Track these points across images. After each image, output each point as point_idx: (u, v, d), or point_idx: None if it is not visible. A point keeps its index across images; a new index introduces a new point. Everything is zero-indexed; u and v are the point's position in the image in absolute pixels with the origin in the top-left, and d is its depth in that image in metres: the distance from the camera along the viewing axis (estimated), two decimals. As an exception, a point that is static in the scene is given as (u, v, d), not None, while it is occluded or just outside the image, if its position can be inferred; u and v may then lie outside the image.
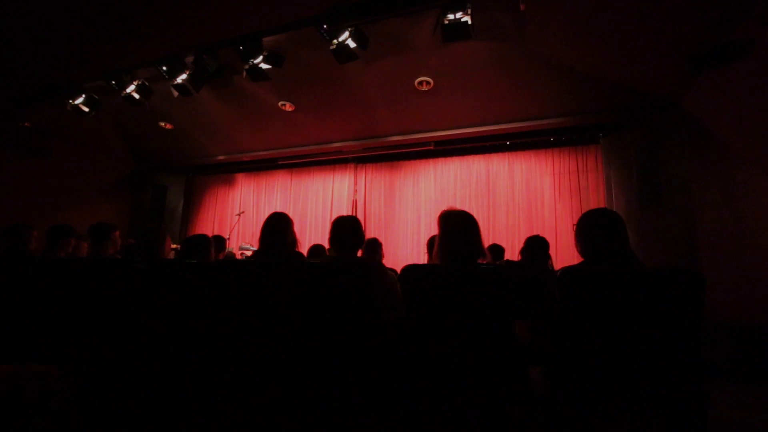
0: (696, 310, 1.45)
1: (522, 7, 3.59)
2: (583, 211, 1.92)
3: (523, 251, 2.86)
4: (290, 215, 2.31)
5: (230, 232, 7.69)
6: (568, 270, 1.65)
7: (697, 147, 4.53)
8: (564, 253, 5.73)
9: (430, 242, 2.68)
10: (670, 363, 1.46)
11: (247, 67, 4.47)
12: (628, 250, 1.77)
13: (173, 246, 4.63)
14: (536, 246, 2.77)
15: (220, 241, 3.93)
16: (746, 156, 3.98)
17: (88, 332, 2.19)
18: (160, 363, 2.00)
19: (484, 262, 1.93)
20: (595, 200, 5.88)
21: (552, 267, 2.88)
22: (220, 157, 7.84)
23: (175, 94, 5.01)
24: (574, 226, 1.88)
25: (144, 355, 2.04)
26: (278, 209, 7.43)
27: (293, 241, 2.25)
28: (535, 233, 2.89)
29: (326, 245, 4.08)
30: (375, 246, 3.46)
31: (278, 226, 2.23)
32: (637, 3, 3.39)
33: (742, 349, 3.61)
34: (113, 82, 5.07)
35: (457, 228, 1.82)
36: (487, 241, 6.07)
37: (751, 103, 3.69)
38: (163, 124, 6.80)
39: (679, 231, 4.55)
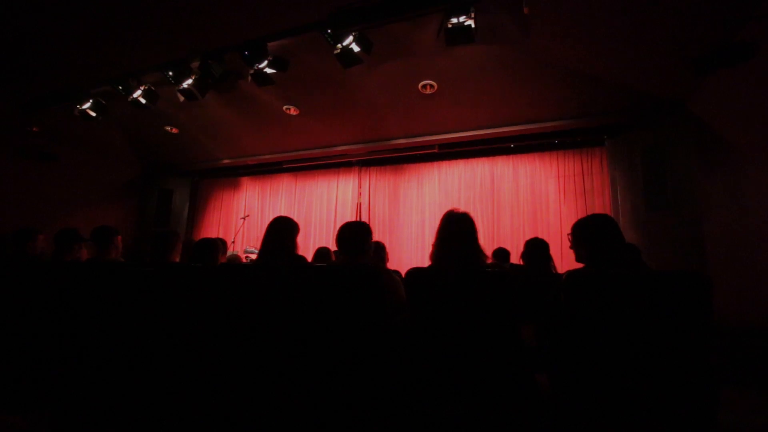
0: (704, 314, 1.44)
1: (525, 10, 3.59)
2: (588, 214, 1.93)
3: (524, 255, 2.82)
4: (295, 218, 2.30)
5: (235, 235, 7.72)
6: (573, 273, 1.64)
7: (703, 148, 4.50)
8: (569, 256, 5.68)
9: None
10: (678, 366, 1.45)
11: (252, 71, 4.50)
12: (633, 252, 1.76)
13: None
14: (537, 249, 2.73)
15: (222, 244, 3.95)
16: (753, 157, 3.96)
17: (90, 339, 2.21)
18: (166, 366, 2.01)
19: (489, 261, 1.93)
20: (601, 203, 5.85)
21: (554, 269, 2.85)
22: (226, 161, 7.89)
23: (181, 98, 5.05)
24: (569, 235, 1.87)
25: (152, 358, 2.05)
26: (283, 212, 7.47)
27: (294, 246, 2.23)
28: (540, 236, 2.86)
29: (331, 248, 4.10)
30: (379, 249, 3.45)
31: (280, 230, 2.22)
32: (641, 4, 3.39)
33: (750, 352, 3.57)
34: (120, 87, 5.13)
35: (451, 230, 1.82)
36: (491, 244, 6.08)
37: (757, 104, 3.67)
38: (169, 128, 6.86)
39: (686, 233, 4.51)
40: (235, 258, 4.91)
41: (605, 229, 1.73)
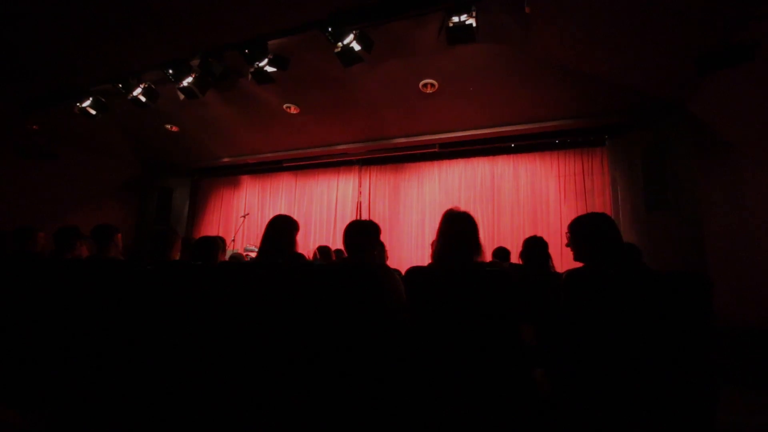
0: (703, 313, 1.44)
1: (527, 10, 3.58)
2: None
3: (522, 254, 2.77)
4: (295, 217, 2.28)
5: (235, 233, 7.72)
6: (573, 273, 1.64)
7: (703, 149, 4.50)
8: (569, 255, 5.67)
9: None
10: (678, 366, 1.45)
11: (252, 70, 4.50)
12: (633, 252, 1.76)
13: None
14: (535, 247, 2.68)
15: (221, 243, 3.94)
16: (753, 157, 3.96)
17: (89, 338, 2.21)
18: (167, 365, 2.01)
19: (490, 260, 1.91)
20: (601, 202, 5.84)
21: (553, 268, 2.82)
22: (226, 160, 7.89)
23: (181, 97, 5.05)
24: (567, 234, 1.86)
25: (153, 357, 2.06)
26: (283, 211, 7.44)
27: (293, 244, 2.21)
28: (540, 236, 2.83)
29: (330, 247, 4.10)
30: (379, 248, 3.45)
31: (279, 229, 2.20)
32: (642, 4, 3.38)
33: (750, 352, 3.57)
34: (120, 86, 5.12)
35: (456, 228, 1.81)
36: (491, 243, 6.08)
37: (758, 105, 3.67)
38: (169, 126, 6.86)
39: (686, 233, 4.51)
40: (238, 257, 4.91)
41: (604, 227, 1.72)
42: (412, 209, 7.20)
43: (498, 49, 4.32)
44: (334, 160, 7.54)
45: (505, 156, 6.64)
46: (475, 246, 1.78)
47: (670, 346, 1.46)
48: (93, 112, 5.53)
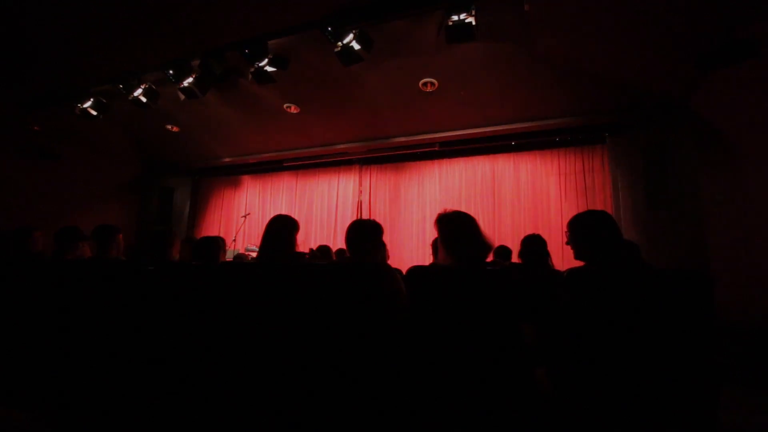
0: (705, 312, 1.44)
1: (526, 8, 3.58)
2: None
3: (521, 253, 2.72)
4: (296, 216, 2.27)
5: (236, 233, 7.73)
6: (575, 271, 1.64)
7: (705, 147, 4.49)
8: (571, 254, 5.66)
9: (435, 244, 2.65)
10: (679, 364, 1.45)
11: (252, 69, 4.50)
12: (633, 250, 1.75)
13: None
14: (534, 245, 2.66)
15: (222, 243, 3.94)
16: (755, 155, 3.94)
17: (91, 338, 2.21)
18: (169, 364, 2.01)
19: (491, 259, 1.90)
20: (602, 200, 5.83)
21: (553, 266, 2.81)
22: (226, 159, 7.89)
23: (182, 97, 5.06)
24: (566, 232, 1.85)
25: (155, 356, 2.06)
26: (284, 211, 7.43)
27: (293, 243, 2.20)
28: (541, 234, 2.81)
29: (331, 246, 4.10)
30: (382, 248, 3.44)
31: (280, 228, 2.19)
32: (644, 2, 3.37)
33: (752, 352, 3.56)
34: (121, 86, 5.13)
35: (461, 228, 1.80)
36: (492, 242, 6.06)
37: (760, 103, 3.66)
38: (169, 127, 6.87)
39: (687, 231, 4.50)
40: (242, 257, 4.92)
41: (603, 225, 1.71)
42: (412, 208, 7.19)
43: (497, 48, 4.32)
44: (335, 159, 7.53)
45: (505, 154, 6.61)
46: (476, 242, 1.76)
47: (671, 345, 1.45)
48: (94, 112, 5.54)
